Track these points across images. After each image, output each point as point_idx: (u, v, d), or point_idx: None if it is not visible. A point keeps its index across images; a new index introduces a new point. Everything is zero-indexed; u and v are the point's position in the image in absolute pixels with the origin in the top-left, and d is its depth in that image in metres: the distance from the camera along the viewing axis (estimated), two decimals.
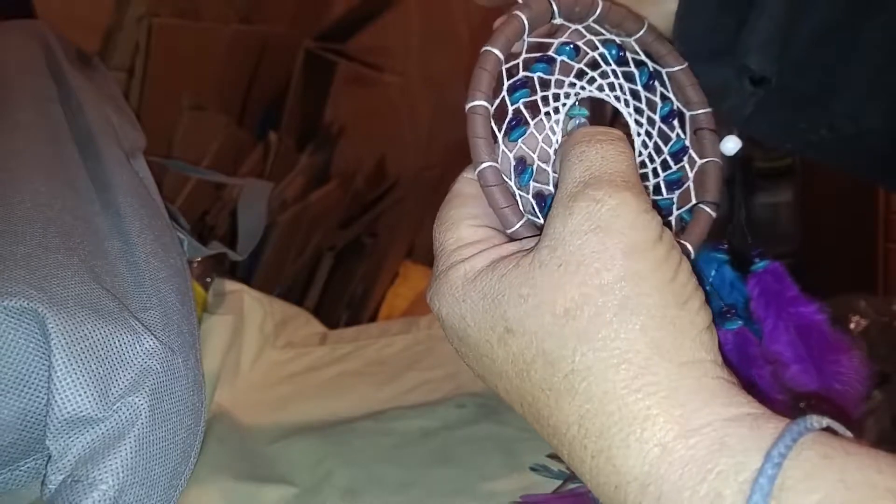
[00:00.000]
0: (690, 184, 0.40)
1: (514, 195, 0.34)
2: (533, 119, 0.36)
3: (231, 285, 0.71)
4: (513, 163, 0.35)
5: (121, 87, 0.86)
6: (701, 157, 0.40)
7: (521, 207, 0.34)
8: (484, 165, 0.34)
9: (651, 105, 0.39)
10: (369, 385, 0.66)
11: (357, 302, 1.30)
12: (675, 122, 0.40)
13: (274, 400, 0.64)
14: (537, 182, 0.36)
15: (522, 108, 0.35)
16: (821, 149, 0.48)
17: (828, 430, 0.26)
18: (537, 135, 0.36)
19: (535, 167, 0.35)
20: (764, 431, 0.26)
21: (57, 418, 0.44)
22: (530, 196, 0.35)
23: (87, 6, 0.93)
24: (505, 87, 0.35)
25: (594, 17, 0.38)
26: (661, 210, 0.39)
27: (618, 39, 0.39)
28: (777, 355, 0.40)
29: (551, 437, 0.30)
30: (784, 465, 0.24)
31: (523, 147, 0.35)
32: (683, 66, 0.40)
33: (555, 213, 0.31)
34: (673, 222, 0.39)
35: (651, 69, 0.39)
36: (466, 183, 0.36)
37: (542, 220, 0.35)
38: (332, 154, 1.27)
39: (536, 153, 0.35)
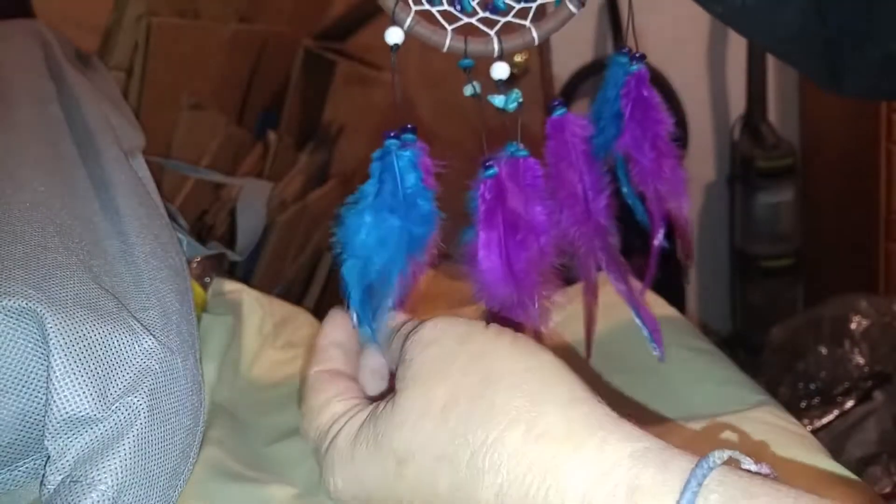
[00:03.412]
0: None
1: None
2: None
3: (230, 285, 0.71)
4: None
5: (119, 87, 0.86)
6: None
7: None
8: None
9: None
10: None
11: None
12: None
13: (273, 400, 0.63)
14: None
15: None
16: (745, 17, 0.49)
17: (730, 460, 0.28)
18: None
19: None
20: (671, 472, 0.27)
21: (55, 418, 0.44)
22: None
23: (85, 6, 0.93)
24: None
25: None
26: None
27: None
28: (630, 151, 0.45)
29: None
30: None
31: None
32: None
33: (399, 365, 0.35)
34: (533, 8, 0.42)
35: None
36: (317, 377, 0.40)
37: (427, 6, 0.40)
38: (332, 153, 1.26)
39: None
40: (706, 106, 1.83)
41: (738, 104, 1.78)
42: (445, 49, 0.42)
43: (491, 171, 0.42)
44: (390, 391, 0.36)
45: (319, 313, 0.95)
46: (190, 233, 0.68)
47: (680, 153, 0.46)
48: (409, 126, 0.42)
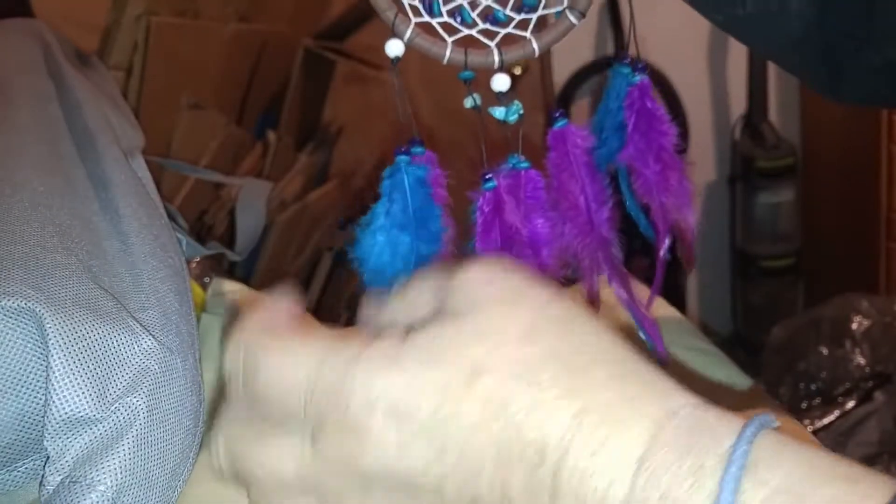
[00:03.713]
0: None
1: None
2: None
3: (230, 285, 0.71)
4: None
5: (119, 87, 0.86)
6: None
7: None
8: None
9: None
10: None
11: (356, 302, 1.30)
12: None
13: None
14: None
15: None
16: (745, 25, 0.49)
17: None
18: None
19: None
20: (730, 418, 0.28)
21: (55, 419, 0.44)
22: (417, 1, 0.41)
23: (85, 5, 0.93)
24: None
25: None
26: (526, 6, 0.42)
27: None
28: (634, 163, 0.45)
29: (535, 465, 0.29)
30: (753, 444, 0.27)
31: None
32: None
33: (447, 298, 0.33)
34: (534, 20, 0.42)
35: None
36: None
37: (427, 18, 0.41)
38: (332, 153, 1.27)
39: None
40: (707, 106, 1.83)
41: (738, 104, 1.78)
42: (445, 61, 0.42)
43: (489, 185, 0.42)
44: None
45: (319, 313, 0.95)
46: (189, 233, 0.68)
47: (685, 164, 0.46)
48: (416, 139, 0.42)
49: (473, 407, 0.30)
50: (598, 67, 1.68)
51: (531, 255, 0.44)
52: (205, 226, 0.97)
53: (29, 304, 0.44)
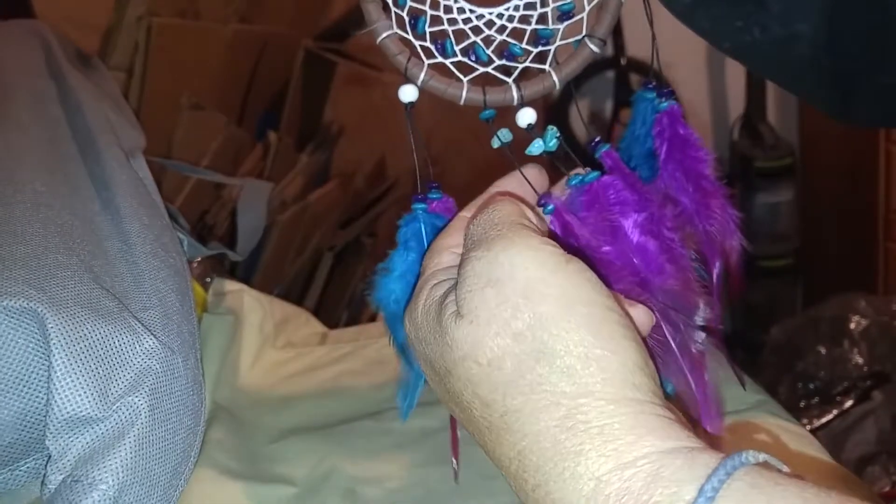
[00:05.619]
0: (584, 16, 0.40)
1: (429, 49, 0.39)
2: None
3: (231, 285, 0.71)
4: (406, 18, 0.38)
5: (120, 87, 0.86)
6: None
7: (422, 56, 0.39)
8: (376, 25, 0.38)
9: None
10: (369, 385, 0.66)
11: (357, 302, 1.30)
12: None
13: (274, 400, 0.64)
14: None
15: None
16: (754, 52, 0.49)
17: (764, 464, 0.27)
18: None
19: (427, 16, 0.39)
20: (699, 462, 0.26)
21: (56, 418, 0.44)
22: (429, 43, 0.39)
23: (86, 6, 0.93)
24: None
25: None
26: (542, 39, 0.40)
27: None
28: (669, 192, 0.42)
29: (497, 465, 0.31)
30: (716, 498, 0.25)
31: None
32: None
33: (457, 282, 0.33)
34: (553, 53, 0.40)
35: None
36: (459, 218, 0.38)
37: (441, 59, 0.39)
38: (332, 154, 1.27)
39: (428, 4, 0.39)
40: (705, 105, 1.83)
41: (737, 104, 1.78)
42: (462, 102, 0.39)
43: (549, 209, 0.39)
44: None
45: (320, 313, 0.95)
46: (191, 233, 0.68)
47: (727, 190, 0.42)
48: (432, 183, 0.40)
49: (452, 393, 0.32)
50: (595, 69, 1.68)
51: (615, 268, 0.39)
52: (206, 226, 0.98)
53: (31, 305, 0.44)
